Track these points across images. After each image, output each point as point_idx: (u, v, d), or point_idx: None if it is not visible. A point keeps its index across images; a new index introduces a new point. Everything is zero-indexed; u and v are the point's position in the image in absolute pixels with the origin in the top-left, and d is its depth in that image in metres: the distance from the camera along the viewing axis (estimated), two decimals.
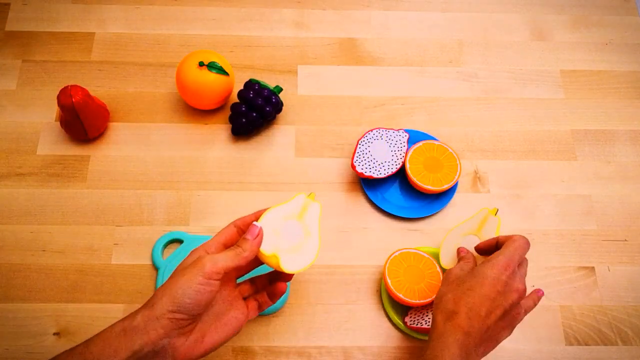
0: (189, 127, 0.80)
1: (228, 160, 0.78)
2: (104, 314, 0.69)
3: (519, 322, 0.58)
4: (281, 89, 0.79)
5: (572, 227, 0.76)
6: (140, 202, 0.75)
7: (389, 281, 0.67)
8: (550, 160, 0.80)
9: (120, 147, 0.78)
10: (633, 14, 0.91)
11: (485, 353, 0.56)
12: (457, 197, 0.77)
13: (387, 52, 0.86)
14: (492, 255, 0.59)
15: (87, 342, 0.50)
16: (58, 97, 0.71)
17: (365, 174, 0.73)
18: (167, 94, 0.82)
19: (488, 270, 0.57)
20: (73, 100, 0.71)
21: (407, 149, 0.76)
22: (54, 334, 0.68)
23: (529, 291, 0.61)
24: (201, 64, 0.75)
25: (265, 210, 0.58)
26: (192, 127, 0.80)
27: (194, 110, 0.81)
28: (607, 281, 0.73)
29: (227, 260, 0.52)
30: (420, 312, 0.68)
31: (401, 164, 0.75)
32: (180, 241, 0.73)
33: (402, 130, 0.77)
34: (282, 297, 0.68)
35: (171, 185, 0.76)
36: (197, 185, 0.77)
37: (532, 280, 0.72)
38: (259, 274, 0.61)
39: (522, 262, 0.60)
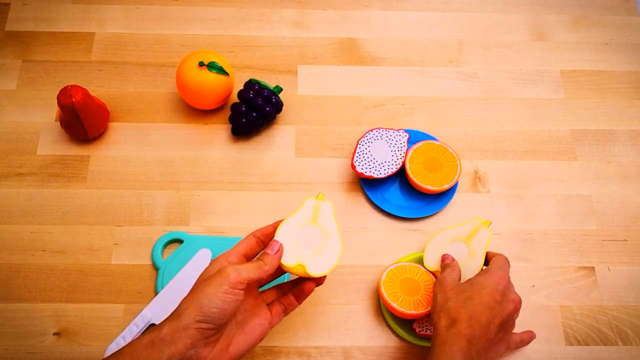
0: (189, 127, 0.80)
1: (228, 160, 0.78)
2: (104, 314, 0.69)
3: (512, 345, 0.61)
4: (281, 89, 0.79)
5: (572, 227, 0.76)
6: (140, 202, 0.75)
7: (385, 295, 0.66)
8: (550, 160, 0.80)
9: (120, 147, 0.78)
10: (633, 14, 0.91)
11: None
12: (457, 197, 0.77)
13: (387, 52, 0.86)
14: (486, 268, 0.62)
15: (116, 355, 0.51)
16: (58, 97, 0.71)
17: (365, 174, 0.73)
18: (167, 94, 0.82)
19: (486, 281, 0.59)
20: (73, 100, 0.71)
21: (407, 149, 0.76)
22: (54, 334, 0.68)
23: (522, 289, 0.62)
24: (201, 64, 0.75)
25: (282, 220, 0.59)
26: (192, 127, 0.80)
27: (194, 110, 0.81)
28: (607, 281, 0.73)
29: (249, 272, 0.53)
30: (427, 319, 0.68)
31: (401, 164, 0.75)
32: (180, 241, 0.73)
33: (402, 130, 0.77)
34: None
35: (171, 185, 0.76)
36: (197, 185, 0.77)
37: (532, 280, 0.72)
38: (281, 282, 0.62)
39: None
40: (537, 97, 0.84)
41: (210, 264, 0.56)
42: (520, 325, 0.65)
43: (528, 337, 0.64)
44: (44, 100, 0.81)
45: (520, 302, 0.60)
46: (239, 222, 0.74)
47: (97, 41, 0.85)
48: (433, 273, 0.68)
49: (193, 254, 0.71)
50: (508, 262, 0.64)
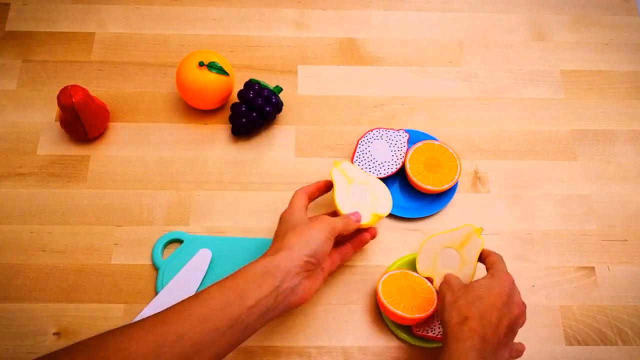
0: (189, 127, 0.80)
1: (228, 160, 0.78)
2: (104, 314, 0.69)
3: (514, 353, 0.61)
4: (281, 89, 0.79)
5: (572, 227, 0.76)
6: (140, 202, 0.75)
7: (386, 303, 0.66)
8: (550, 160, 0.80)
9: (120, 147, 0.78)
10: (633, 14, 0.91)
11: None
12: (457, 197, 0.77)
13: (387, 52, 0.86)
14: (491, 271, 0.62)
15: (234, 276, 0.56)
16: (58, 97, 0.71)
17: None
18: (167, 94, 0.82)
19: (493, 283, 0.60)
20: (73, 100, 0.71)
21: (407, 149, 0.76)
22: (54, 334, 0.68)
23: (522, 289, 0.63)
24: (201, 64, 0.75)
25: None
26: (192, 127, 0.80)
27: (194, 110, 0.81)
28: (607, 281, 0.73)
29: (341, 226, 0.63)
30: (425, 320, 0.68)
31: (401, 164, 0.75)
32: (180, 241, 0.73)
33: (403, 131, 0.77)
34: None
35: (171, 185, 0.76)
36: (197, 185, 0.77)
37: (532, 280, 0.72)
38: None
39: None
40: (537, 97, 0.84)
41: (296, 196, 0.66)
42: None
43: (523, 348, 0.64)
44: (44, 100, 0.81)
45: (525, 308, 0.60)
46: (239, 222, 0.74)
47: (97, 41, 0.85)
48: (428, 278, 0.68)
49: (193, 254, 0.71)
50: (502, 260, 0.64)
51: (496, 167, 0.79)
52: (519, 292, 0.61)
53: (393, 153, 0.76)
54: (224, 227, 0.74)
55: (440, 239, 0.68)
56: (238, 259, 0.71)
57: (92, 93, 0.75)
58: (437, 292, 0.66)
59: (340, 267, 0.72)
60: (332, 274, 0.72)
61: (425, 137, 0.79)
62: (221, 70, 0.76)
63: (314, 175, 0.77)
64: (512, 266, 0.71)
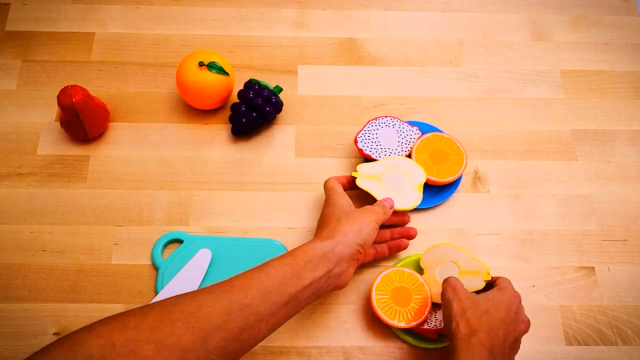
0: (189, 127, 0.80)
1: (228, 160, 0.78)
2: (104, 313, 0.68)
3: None
4: (281, 89, 0.79)
5: (572, 227, 0.76)
6: (140, 202, 0.75)
7: (380, 313, 0.67)
8: (550, 160, 0.80)
9: (120, 147, 0.78)
10: (633, 14, 0.91)
11: None
12: (457, 197, 0.77)
13: (387, 52, 0.86)
14: (498, 286, 0.63)
15: (293, 255, 0.58)
16: (58, 97, 0.71)
17: (365, 151, 0.74)
18: (167, 94, 0.82)
19: (501, 297, 0.61)
20: (73, 100, 0.71)
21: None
22: (54, 334, 0.68)
23: (522, 289, 0.64)
24: (201, 64, 0.75)
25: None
26: (192, 127, 0.80)
27: (194, 110, 0.81)
28: (607, 281, 0.73)
29: (384, 215, 0.66)
30: (433, 313, 0.68)
31: (405, 156, 0.75)
32: (180, 241, 0.73)
33: (416, 128, 0.77)
34: None
35: (171, 185, 0.76)
36: (197, 185, 0.77)
37: (532, 280, 0.72)
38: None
39: None
40: (537, 97, 0.84)
41: (332, 183, 0.68)
42: None
43: None
44: (44, 100, 0.81)
45: (529, 325, 0.61)
46: (239, 222, 0.74)
47: (97, 41, 0.85)
48: (426, 283, 0.69)
49: (193, 254, 0.71)
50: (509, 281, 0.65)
51: (496, 167, 0.79)
52: (523, 309, 0.62)
53: (399, 144, 0.76)
54: (224, 227, 0.74)
55: (456, 252, 0.68)
56: (238, 259, 0.71)
57: (92, 93, 0.75)
58: (442, 293, 0.65)
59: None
60: None
61: (435, 130, 0.79)
62: (221, 70, 0.76)
63: (314, 175, 0.77)
64: (512, 266, 0.72)
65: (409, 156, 0.75)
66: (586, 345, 0.69)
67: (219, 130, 0.80)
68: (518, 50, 0.87)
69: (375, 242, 0.69)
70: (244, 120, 0.77)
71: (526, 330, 0.61)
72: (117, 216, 0.74)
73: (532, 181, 0.78)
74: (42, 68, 0.83)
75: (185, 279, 0.69)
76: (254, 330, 0.53)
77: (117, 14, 0.87)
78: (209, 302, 0.52)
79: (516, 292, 0.62)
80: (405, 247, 0.71)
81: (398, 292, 0.68)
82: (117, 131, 0.80)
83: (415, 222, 0.75)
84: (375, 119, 0.77)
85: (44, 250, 0.72)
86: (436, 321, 0.67)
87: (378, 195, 0.71)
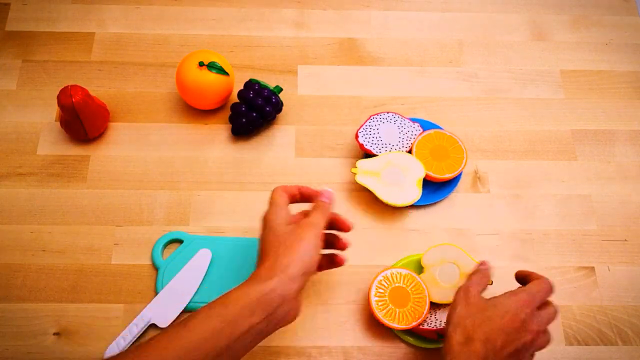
0: (189, 127, 0.80)
1: (228, 160, 0.78)
2: (104, 314, 0.69)
3: None
4: (281, 89, 0.79)
5: (572, 227, 0.76)
6: (140, 202, 0.75)
7: (379, 315, 0.67)
8: (550, 160, 0.80)
9: (120, 147, 0.78)
10: (633, 14, 0.91)
11: None
12: (457, 197, 0.77)
13: (387, 52, 0.86)
14: (516, 289, 0.60)
15: (225, 302, 0.53)
16: (58, 97, 0.71)
17: (365, 146, 0.74)
18: (167, 94, 0.82)
19: (511, 304, 0.57)
20: (73, 100, 0.71)
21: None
22: (54, 334, 0.68)
23: None
24: (201, 64, 0.75)
25: None
26: (192, 127, 0.80)
27: (194, 110, 0.81)
28: (607, 281, 0.73)
29: (324, 219, 0.60)
30: (434, 313, 0.68)
31: (406, 150, 0.76)
32: (180, 241, 0.73)
33: (418, 125, 0.77)
34: None
35: (171, 185, 0.76)
36: (197, 185, 0.77)
37: None
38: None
39: (547, 306, 0.60)
40: (537, 97, 0.84)
41: (276, 194, 0.61)
42: None
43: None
44: (44, 100, 0.81)
45: (538, 335, 0.57)
46: (239, 222, 0.74)
47: (97, 41, 0.85)
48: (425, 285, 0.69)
49: (193, 254, 0.71)
50: (548, 287, 0.60)
51: (496, 167, 0.79)
52: (543, 318, 0.58)
53: (400, 140, 0.76)
54: (224, 227, 0.74)
55: (457, 254, 0.69)
56: (238, 259, 0.71)
57: (92, 93, 0.75)
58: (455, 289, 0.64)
59: (339, 268, 0.72)
60: (332, 274, 0.72)
61: (436, 127, 0.79)
62: (221, 70, 0.76)
63: (314, 175, 0.77)
64: (512, 266, 0.71)
65: (410, 152, 0.75)
66: (586, 345, 0.69)
67: (219, 130, 0.80)
68: (518, 50, 0.87)
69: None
70: (244, 120, 0.77)
71: (534, 342, 0.57)
72: (117, 216, 0.74)
73: (532, 181, 0.78)
74: (42, 68, 0.83)
75: (185, 279, 0.69)
76: None
77: (117, 14, 0.87)
78: None
79: (531, 300, 0.58)
80: (342, 263, 0.65)
81: (396, 293, 0.68)
82: (117, 131, 0.80)
83: (415, 221, 0.75)
84: (377, 114, 0.77)
85: (44, 250, 0.72)
86: (436, 321, 0.67)
87: (377, 191, 0.71)
